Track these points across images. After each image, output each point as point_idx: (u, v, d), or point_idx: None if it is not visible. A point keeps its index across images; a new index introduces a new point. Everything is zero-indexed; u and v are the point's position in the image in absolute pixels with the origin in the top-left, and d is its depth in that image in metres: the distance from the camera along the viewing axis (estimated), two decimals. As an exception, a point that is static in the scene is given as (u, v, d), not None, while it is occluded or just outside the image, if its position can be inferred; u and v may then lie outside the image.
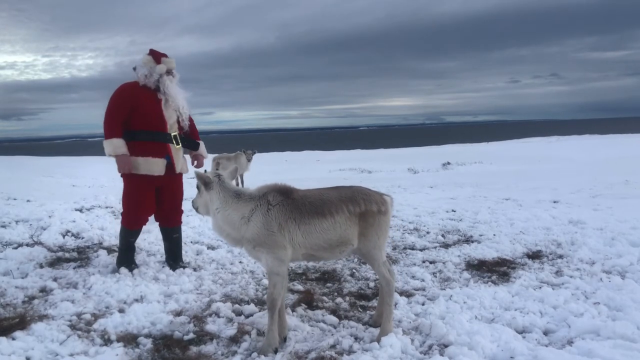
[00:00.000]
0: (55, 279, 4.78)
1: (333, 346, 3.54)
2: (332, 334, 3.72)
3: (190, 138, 5.32)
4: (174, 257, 5.35)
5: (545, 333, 3.75)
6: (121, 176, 5.01)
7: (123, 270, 4.95)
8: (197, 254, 5.80)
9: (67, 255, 5.68)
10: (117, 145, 4.78)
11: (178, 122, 5.12)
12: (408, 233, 7.06)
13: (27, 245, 5.96)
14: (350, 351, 3.47)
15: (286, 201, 3.48)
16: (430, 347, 3.53)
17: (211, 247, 6.08)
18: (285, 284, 3.55)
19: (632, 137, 35.67)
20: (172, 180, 5.15)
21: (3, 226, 6.85)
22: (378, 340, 3.53)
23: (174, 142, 5.07)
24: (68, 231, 6.64)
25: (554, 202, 9.72)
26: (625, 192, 10.89)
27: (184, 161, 5.31)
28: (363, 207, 3.55)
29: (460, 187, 13.12)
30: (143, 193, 5.00)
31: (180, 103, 5.05)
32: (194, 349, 3.48)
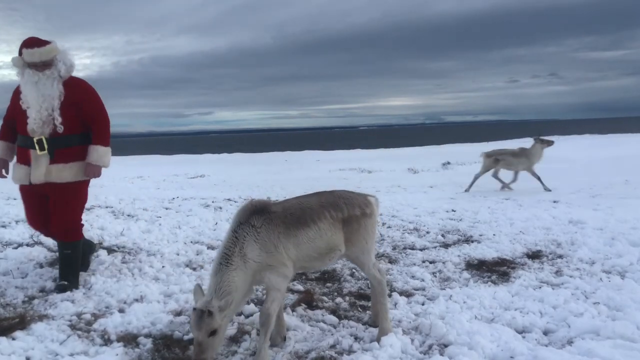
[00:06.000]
0: (55, 279, 4.78)
1: (333, 346, 3.55)
2: (332, 334, 3.72)
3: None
4: (60, 274, 4.58)
5: (545, 333, 3.75)
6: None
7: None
8: (197, 254, 5.79)
9: (67, 255, 5.67)
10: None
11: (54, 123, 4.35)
12: (408, 233, 7.05)
13: (27, 245, 5.95)
14: (350, 351, 3.48)
15: (269, 218, 3.39)
16: (430, 347, 3.54)
17: (211, 247, 6.07)
18: (282, 302, 3.53)
19: (632, 137, 35.57)
20: (54, 190, 4.40)
21: (3, 226, 6.84)
22: (378, 340, 3.53)
23: (37, 147, 4.31)
24: (68, 231, 6.63)
25: (554, 202, 9.72)
26: (625, 192, 10.89)
27: (54, 169, 4.38)
28: (346, 212, 3.52)
29: (460, 187, 13.14)
30: (25, 202, 4.61)
31: (38, 100, 4.27)
32: (194, 349, 3.49)
